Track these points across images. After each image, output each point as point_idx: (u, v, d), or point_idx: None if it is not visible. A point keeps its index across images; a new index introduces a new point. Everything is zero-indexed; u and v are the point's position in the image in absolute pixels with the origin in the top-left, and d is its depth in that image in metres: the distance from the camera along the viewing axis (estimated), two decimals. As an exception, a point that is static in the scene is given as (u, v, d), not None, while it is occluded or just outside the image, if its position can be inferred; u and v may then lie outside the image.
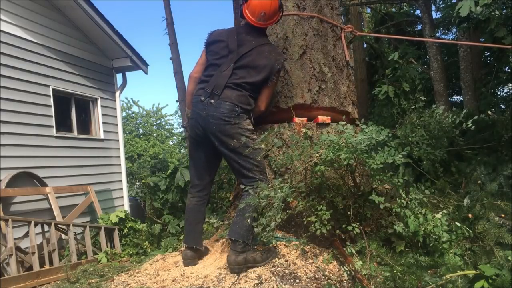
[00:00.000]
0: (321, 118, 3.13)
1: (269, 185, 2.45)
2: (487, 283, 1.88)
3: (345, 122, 2.73)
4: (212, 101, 2.52)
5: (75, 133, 6.50)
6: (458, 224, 2.56)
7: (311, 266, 2.50)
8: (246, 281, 2.36)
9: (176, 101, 16.47)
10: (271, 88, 2.69)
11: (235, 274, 2.46)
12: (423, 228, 2.41)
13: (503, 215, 2.72)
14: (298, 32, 3.19)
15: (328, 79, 3.20)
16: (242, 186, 2.60)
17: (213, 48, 2.69)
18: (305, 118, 3.17)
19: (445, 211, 2.64)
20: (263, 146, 2.98)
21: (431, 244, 2.42)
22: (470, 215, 2.68)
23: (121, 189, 7.40)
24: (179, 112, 17.64)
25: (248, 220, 2.45)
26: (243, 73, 2.56)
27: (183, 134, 17.75)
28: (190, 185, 2.85)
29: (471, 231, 2.54)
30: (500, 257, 2.28)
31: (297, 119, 3.12)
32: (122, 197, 7.39)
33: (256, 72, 2.56)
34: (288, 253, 2.63)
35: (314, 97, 3.11)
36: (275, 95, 3.10)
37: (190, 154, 2.82)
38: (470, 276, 2.00)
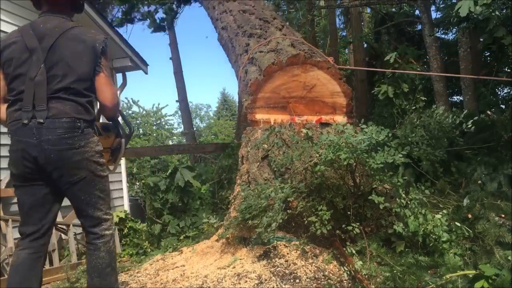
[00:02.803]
0: (324, 118, 3.17)
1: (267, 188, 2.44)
2: (487, 283, 1.88)
3: (345, 122, 2.74)
4: (41, 120, 1.91)
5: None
6: (458, 224, 2.56)
7: (311, 266, 2.50)
8: (246, 281, 2.37)
9: (176, 101, 16.50)
10: (104, 74, 2.08)
11: (236, 275, 2.46)
12: (423, 228, 2.41)
13: (503, 215, 2.72)
14: (287, 40, 3.79)
15: (319, 55, 3.59)
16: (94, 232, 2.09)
17: (7, 56, 2.02)
18: (306, 118, 3.18)
19: (445, 211, 2.64)
20: (264, 145, 2.97)
21: (431, 244, 2.42)
22: (470, 215, 2.68)
23: (121, 189, 7.38)
24: (179, 112, 17.63)
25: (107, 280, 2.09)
26: (62, 70, 1.97)
27: (182, 134, 17.77)
28: (21, 236, 2.06)
29: (471, 231, 2.53)
30: (500, 257, 2.28)
31: (297, 119, 3.13)
32: (122, 197, 7.38)
33: (79, 63, 2.00)
34: (288, 253, 2.63)
35: (307, 55, 3.43)
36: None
37: (18, 195, 2.07)
38: (470, 276, 2.00)
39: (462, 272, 2.08)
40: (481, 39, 7.63)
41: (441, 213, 2.58)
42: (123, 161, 7.48)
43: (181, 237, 5.68)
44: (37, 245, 2.04)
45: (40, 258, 2.05)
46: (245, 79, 3.64)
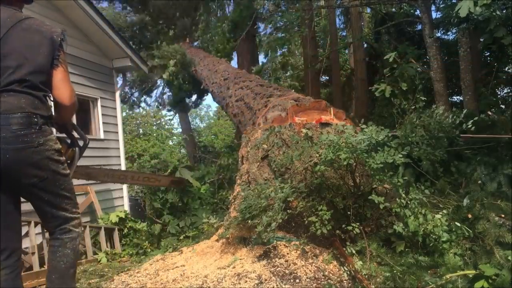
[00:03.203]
0: (324, 118, 3.17)
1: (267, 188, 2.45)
2: (487, 283, 1.88)
3: (344, 123, 2.74)
4: None
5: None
6: (458, 224, 2.56)
7: (311, 266, 2.50)
8: (246, 281, 2.37)
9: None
10: (63, 69, 1.92)
11: (236, 275, 2.46)
12: (423, 228, 2.41)
13: (503, 215, 2.72)
14: (308, 97, 4.13)
15: None
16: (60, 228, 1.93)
17: None
18: (305, 118, 3.18)
19: (445, 211, 2.64)
20: (264, 145, 2.97)
21: (431, 244, 2.43)
22: (470, 215, 2.68)
23: (121, 189, 7.39)
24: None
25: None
26: (16, 61, 1.80)
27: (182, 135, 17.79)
28: None
29: (471, 231, 2.54)
30: (500, 257, 2.28)
31: (297, 119, 3.14)
32: (122, 197, 7.39)
33: (36, 54, 1.85)
34: (288, 253, 2.63)
35: (328, 105, 3.57)
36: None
37: None
38: (470, 276, 2.01)
39: (462, 272, 2.08)
40: (481, 39, 7.64)
41: (441, 213, 2.58)
42: (123, 161, 7.48)
43: (181, 237, 5.69)
44: (10, 262, 1.86)
45: (18, 273, 1.90)
46: (266, 122, 3.75)
